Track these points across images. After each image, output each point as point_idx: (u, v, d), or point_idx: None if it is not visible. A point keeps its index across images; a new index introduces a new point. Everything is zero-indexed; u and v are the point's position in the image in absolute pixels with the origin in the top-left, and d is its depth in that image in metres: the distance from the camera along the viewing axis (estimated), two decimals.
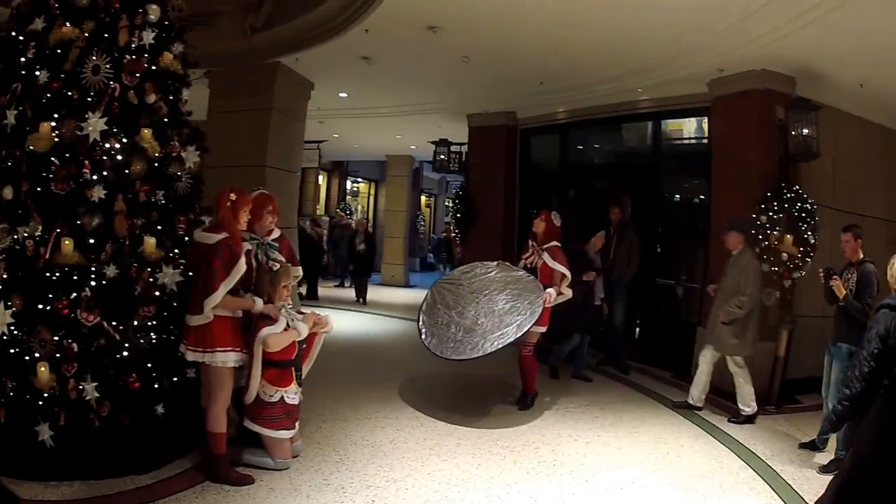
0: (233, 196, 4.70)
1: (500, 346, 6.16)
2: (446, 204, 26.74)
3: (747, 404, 6.87)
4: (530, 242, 7.23)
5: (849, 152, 8.63)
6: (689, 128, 9.56)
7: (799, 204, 7.42)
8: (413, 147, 18.24)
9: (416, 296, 15.02)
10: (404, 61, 9.42)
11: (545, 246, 7.00)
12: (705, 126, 9.06)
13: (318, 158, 18.58)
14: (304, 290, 15.15)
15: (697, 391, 7.18)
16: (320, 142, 17.73)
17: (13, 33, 4.99)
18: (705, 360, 7.14)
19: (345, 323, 11.66)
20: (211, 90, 10.07)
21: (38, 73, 4.85)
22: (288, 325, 4.75)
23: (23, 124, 4.80)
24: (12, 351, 4.43)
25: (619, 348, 9.09)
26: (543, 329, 6.83)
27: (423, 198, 26.53)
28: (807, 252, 7.37)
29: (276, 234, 5.30)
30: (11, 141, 4.81)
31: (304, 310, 5.40)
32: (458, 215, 13.34)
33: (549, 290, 6.68)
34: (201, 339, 4.52)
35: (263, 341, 4.53)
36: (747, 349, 6.90)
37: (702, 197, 9.17)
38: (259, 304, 4.64)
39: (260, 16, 8.27)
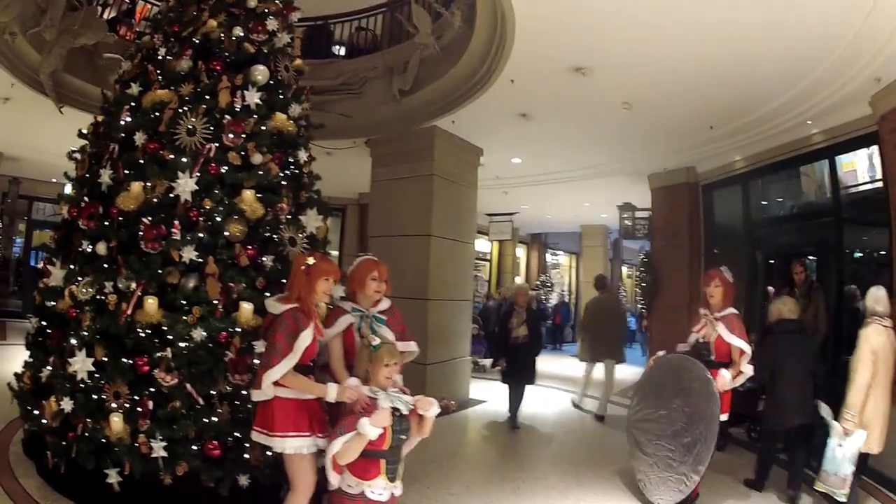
0: (310, 261, 4.18)
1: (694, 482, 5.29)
2: None
3: None
4: (701, 311, 5.94)
5: None
6: (862, 167, 8.21)
7: None
8: (604, 216, 17.46)
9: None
10: (562, 113, 8.80)
11: (720, 315, 5.71)
12: (877, 162, 7.72)
13: (512, 230, 18.33)
14: (488, 363, 14.46)
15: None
16: (512, 213, 17.52)
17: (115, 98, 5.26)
18: None
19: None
20: (373, 158, 10.11)
21: (135, 135, 4.99)
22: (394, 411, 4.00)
23: (118, 184, 4.92)
24: (94, 397, 4.54)
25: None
26: (724, 417, 5.52)
27: (624, 268, 25.33)
28: None
29: (385, 305, 4.69)
30: (107, 200, 4.95)
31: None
32: (643, 285, 12.38)
33: (724, 371, 5.47)
34: (265, 420, 3.98)
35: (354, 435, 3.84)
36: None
37: (882, 252, 7.72)
38: (332, 393, 3.99)
39: (406, 78, 8.14)
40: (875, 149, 7.67)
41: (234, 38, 5.25)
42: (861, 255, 8.70)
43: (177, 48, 5.28)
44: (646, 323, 12.95)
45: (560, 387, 11.85)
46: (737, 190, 10.69)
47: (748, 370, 5.53)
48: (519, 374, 8.70)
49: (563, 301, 22.82)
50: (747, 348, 5.54)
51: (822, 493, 5.40)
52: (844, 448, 5.15)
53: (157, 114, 4.98)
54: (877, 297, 5.51)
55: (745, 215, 10.57)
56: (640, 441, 5.85)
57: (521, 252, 22.88)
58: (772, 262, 10.19)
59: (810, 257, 8.95)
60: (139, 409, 4.42)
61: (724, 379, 5.42)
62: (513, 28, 6.29)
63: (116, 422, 4.38)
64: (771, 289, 8.23)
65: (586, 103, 8.22)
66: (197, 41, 5.26)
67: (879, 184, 7.62)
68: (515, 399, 8.78)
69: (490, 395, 10.42)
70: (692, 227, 11.57)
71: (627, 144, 10.28)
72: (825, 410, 5.41)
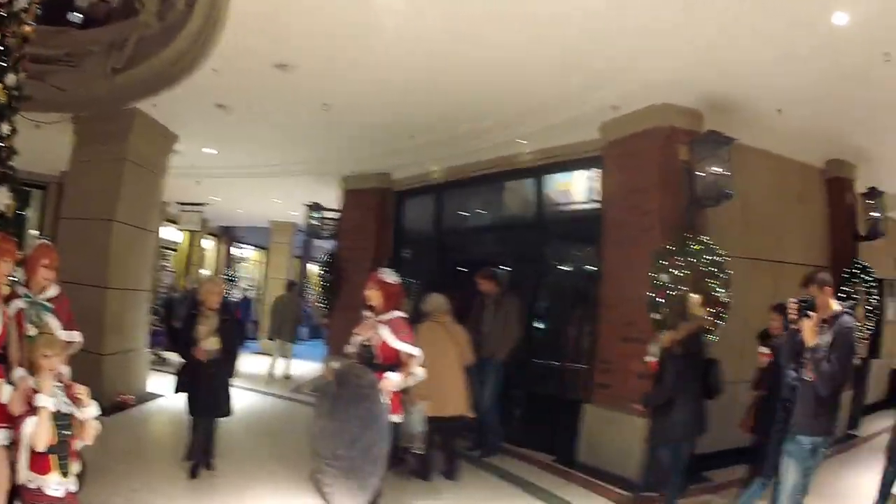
0: None
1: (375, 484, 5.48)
2: None
3: None
4: (366, 314, 5.99)
5: (763, 193, 8.18)
6: (578, 188, 8.97)
7: (707, 256, 6.71)
8: (294, 213, 17.51)
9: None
10: (260, 110, 8.99)
11: (385, 318, 5.82)
12: (596, 185, 8.41)
13: (202, 221, 18.04)
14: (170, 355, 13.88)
15: None
16: (203, 204, 17.18)
17: None
18: None
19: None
20: (75, 136, 9.58)
21: None
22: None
23: None
24: None
25: (489, 434, 8.11)
26: (397, 418, 5.81)
27: (315, 267, 25.79)
28: (718, 313, 6.65)
29: (53, 292, 4.69)
30: None
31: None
32: (326, 284, 12.91)
33: (390, 374, 5.63)
34: None
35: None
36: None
37: (594, 267, 8.39)
38: (4, 394, 3.78)
39: (121, 56, 7.83)
40: (590, 171, 8.41)
41: None
42: (570, 268, 9.32)
43: None
44: (325, 321, 13.53)
45: (247, 386, 11.57)
46: (432, 198, 11.42)
47: (419, 372, 5.80)
48: (208, 404, 6.38)
49: (245, 297, 22.65)
50: (415, 351, 5.74)
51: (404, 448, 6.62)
52: (414, 414, 6.40)
53: None
54: (433, 302, 7.20)
55: (437, 223, 11.34)
56: (324, 455, 5.85)
57: (210, 244, 22.68)
58: (464, 269, 10.28)
59: (507, 267, 9.58)
60: None
61: (391, 381, 5.61)
62: (224, 15, 6.22)
63: None
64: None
65: (285, 101, 8.45)
66: None
67: (594, 204, 8.34)
68: (203, 437, 6.48)
69: (169, 390, 10.16)
70: (381, 230, 12.14)
71: (323, 145, 10.73)
72: None
